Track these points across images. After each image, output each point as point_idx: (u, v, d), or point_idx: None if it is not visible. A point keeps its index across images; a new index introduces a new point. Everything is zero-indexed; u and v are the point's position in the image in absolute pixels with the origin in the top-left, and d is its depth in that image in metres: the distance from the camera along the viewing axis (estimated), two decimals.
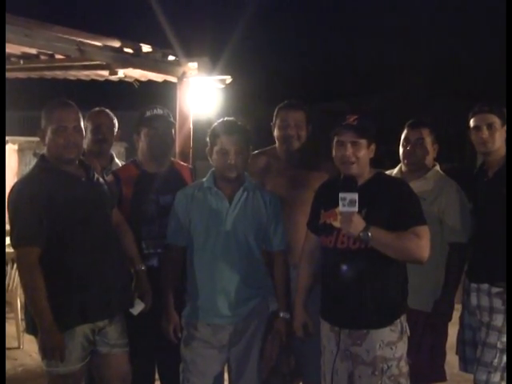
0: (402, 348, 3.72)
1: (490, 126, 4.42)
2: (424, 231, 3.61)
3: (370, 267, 3.65)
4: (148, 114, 4.44)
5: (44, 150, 3.86)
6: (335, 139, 3.73)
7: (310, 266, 4.03)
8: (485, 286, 4.43)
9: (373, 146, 3.76)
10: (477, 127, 4.46)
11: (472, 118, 4.52)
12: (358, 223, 3.50)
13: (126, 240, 4.14)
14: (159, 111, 4.46)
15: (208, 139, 4.06)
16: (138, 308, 4.05)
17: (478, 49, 20.25)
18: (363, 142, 3.69)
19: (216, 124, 4.08)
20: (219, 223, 4.00)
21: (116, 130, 5.19)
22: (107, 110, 5.21)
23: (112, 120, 5.16)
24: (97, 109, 5.23)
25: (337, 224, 3.58)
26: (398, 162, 4.76)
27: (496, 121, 4.43)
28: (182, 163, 4.88)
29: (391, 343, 3.67)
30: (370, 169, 3.80)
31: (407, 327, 3.77)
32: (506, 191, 4.26)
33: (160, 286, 4.14)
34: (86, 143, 5.02)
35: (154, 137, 4.40)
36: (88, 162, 4.09)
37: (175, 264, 4.12)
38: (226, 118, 4.11)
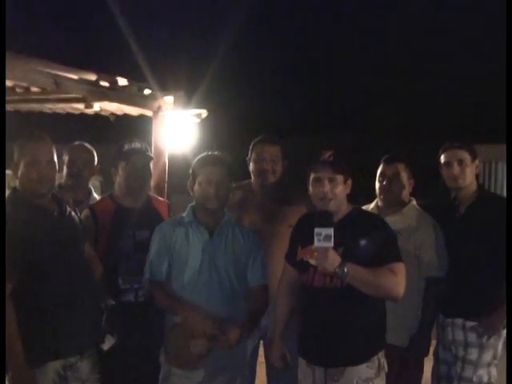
0: None
1: (460, 162, 4.47)
2: (400, 268, 3.61)
3: (346, 305, 3.65)
4: (126, 147, 4.42)
5: (16, 183, 3.83)
6: (312, 175, 3.73)
7: (288, 298, 4.02)
8: (459, 321, 4.46)
9: (349, 182, 3.77)
10: (447, 163, 4.51)
11: (443, 154, 4.57)
12: (334, 259, 3.48)
13: (96, 275, 4.10)
14: (137, 145, 4.45)
15: (191, 171, 4.07)
16: (108, 343, 4.02)
17: (452, 89, 20.51)
18: (340, 177, 3.70)
19: (200, 156, 4.10)
20: (200, 258, 3.98)
21: (95, 164, 5.17)
22: (86, 144, 5.20)
23: (90, 154, 5.14)
24: (76, 143, 5.23)
25: (313, 261, 3.57)
26: (373, 198, 4.78)
27: (466, 157, 4.48)
28: (159, 198, 4.88)
29: (368, 379, 3.66)
30: (347, 204, 3.81)
31: (385, 363, 3.76)
32: (506, 211, 4.29)
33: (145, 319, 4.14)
34: (62, 176, 5.00)
35: (132, 171, 4.38)
36: (61, 195, 4.07)
37: (165, 292, 4.04)
38: (210, 152, 4.12)
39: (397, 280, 3.58)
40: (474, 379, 4.35)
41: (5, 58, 4.15)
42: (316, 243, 3.48)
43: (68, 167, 5.03)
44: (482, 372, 4.35)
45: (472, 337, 4.39)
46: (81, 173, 5.03)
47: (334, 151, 3.74)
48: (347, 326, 3.66)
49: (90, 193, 5.19)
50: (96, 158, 5.17)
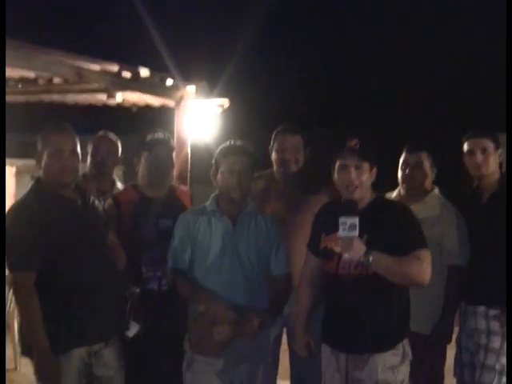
0: (404, 372, 3.70)
1: (484, 151, 4.45)
2: (425, 255, 3.60)
3: (371, 292, 3.64)
4: (149, 138, 4.45)
5: (40, 174, 3.87)
6: (337, 163, 3.73)
7: (310, 288, 4.01)
8: (481, 309, 4.44)
9: (374, 170, 3.75)
10: (471, 151, 4.49)
11: (466, 142, 4.55)
12: (359, 248, 3.48)
13: (120, 263, 4.13)
14: (160, 135, 4.47)
15: (214, 161, 4.07)
16: (132, 330, 4.05)
17: (474, 75, 20.36)
18: (366, 165, 3.69)
19: (223, 146, 4.10)
20: (223, 246, 3.99)
21: (119, 154, 5.21)
22: (110, 134, 5.23)
23: (114, 144, 5.18)
24: (101, 133, 5.27)
25: (338, 249, 3.57)
26: (395, 186, 4.77)
27: (490, 145, 4.46)
28: (181, 188, 4.89)
29: (393, 367, 3.65)
30: (371, 192, 3.81)
31: (410, 351, 3.76)
32: (507, 204, 4.27)
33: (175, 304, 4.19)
34: (86, 167, 5.04)
35: (155, 161, 4.41)
36: (84, 185, 4.10)
37: (188, 280, 4.07)
38: (232, 141, 4.13)
39: (423, 267, 3.56)
40: (497, 367, 4.34)
41: (5, 57, 4.18)
42: (341, 232, 3.47)
43: (92, 156, 5.08)
44: (505, 360, 4.34)
45: (495, 325, 4.38)
46: (104, 162, 5.08)
47: (359, 139, 3.73)
48: (372, 313, 3.65)
49: (114, 183, 5.22)
50: (120, 148, 5.21)
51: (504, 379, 4.33)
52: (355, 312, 3.67)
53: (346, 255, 3.53)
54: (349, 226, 3.45)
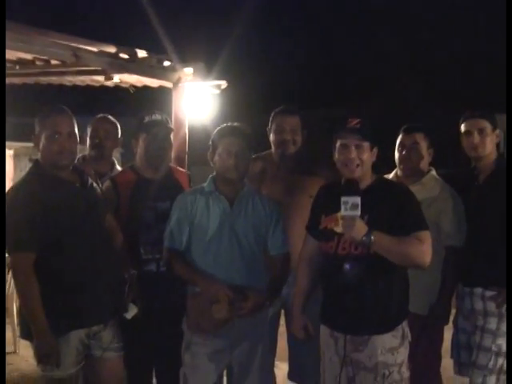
0: (403, 354, 3.71)
1: (481, 131, 4.44)
2: (426, 236, 3.61)
3: (371, 273, 3.63)
4: (146, 119, 4.44)
5: (38, 156, 3.87)
6: (338, 142, 3.70)
7: (308, 269, 4.01)
8: (478, 290, 4.45)
9: (375, 150, 3.74)
10: (468, 132, 4.48)
11: (463, 123, 4.53)
12: (361, 227, 3.48)
13: (118, 245, 4.15)
14: (158, 117, 4.47)
15: (211, 142, 4.08)
16: (131, 312, 4.07)
17: (473, 57, 20.34)
18: (366, 144, 3.67)
19: (220, 127, 4.10)
20: (221, 227, 3.99)
21: (119, 136, 5.23)
22: (109, 117, 5.24)
23: (113, 126, 5.20)
24: (100, 115, 5.28)
25: (338, 229, 3.56)
26: (393, 167, 4.77)
27: (487, 126, 4.45)
28: (179, 169, 4.90)
29: (393, 349, 3.66)
30: (372, 173, 3.80)
31: (409, 333, 3.77)
32: (507, 191, 4.27)
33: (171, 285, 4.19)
34: (84, 150, 5.06)
35: (153, 142, 4.40)
36: (83, 167, 4.11)
37: (184, 261, 4.08)
38: (229, 123, 4.13)
39: (423, 248, 3.57)
40: (493, 348, 4.35)
41: (5, 56, 4.16)
42: (343, 212, 3.48)
43: (91, 139, 5.10)
44: (501, 341, 4.34)
45: (491, 306, 4.38)
46: (104, 144, 5.09)
47: (360, 119, 3.70)
48: (373, 294, 3.65)
49: (113, 165, 5.23)
50: (119, 131, 5.22)
51: (500, 360, 4.34)
52: (355, 292, 3.66)
53: (347, 235, 3.54)
54: (351, 206, 3.45)
